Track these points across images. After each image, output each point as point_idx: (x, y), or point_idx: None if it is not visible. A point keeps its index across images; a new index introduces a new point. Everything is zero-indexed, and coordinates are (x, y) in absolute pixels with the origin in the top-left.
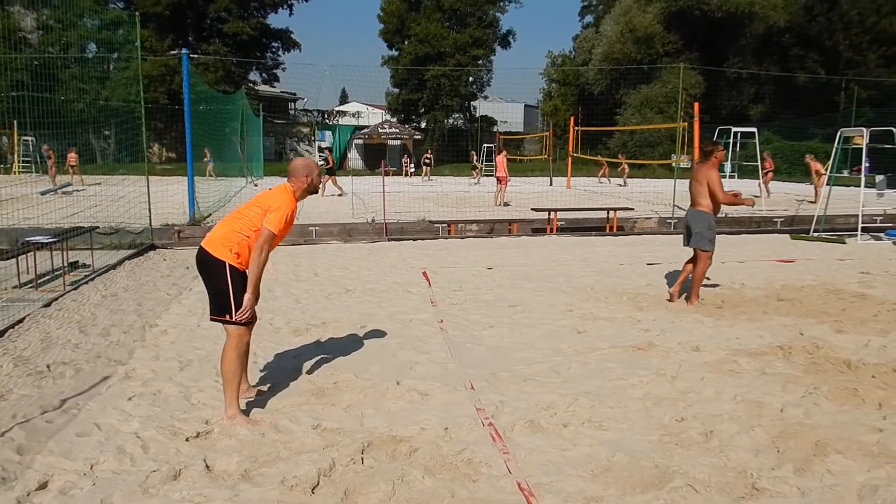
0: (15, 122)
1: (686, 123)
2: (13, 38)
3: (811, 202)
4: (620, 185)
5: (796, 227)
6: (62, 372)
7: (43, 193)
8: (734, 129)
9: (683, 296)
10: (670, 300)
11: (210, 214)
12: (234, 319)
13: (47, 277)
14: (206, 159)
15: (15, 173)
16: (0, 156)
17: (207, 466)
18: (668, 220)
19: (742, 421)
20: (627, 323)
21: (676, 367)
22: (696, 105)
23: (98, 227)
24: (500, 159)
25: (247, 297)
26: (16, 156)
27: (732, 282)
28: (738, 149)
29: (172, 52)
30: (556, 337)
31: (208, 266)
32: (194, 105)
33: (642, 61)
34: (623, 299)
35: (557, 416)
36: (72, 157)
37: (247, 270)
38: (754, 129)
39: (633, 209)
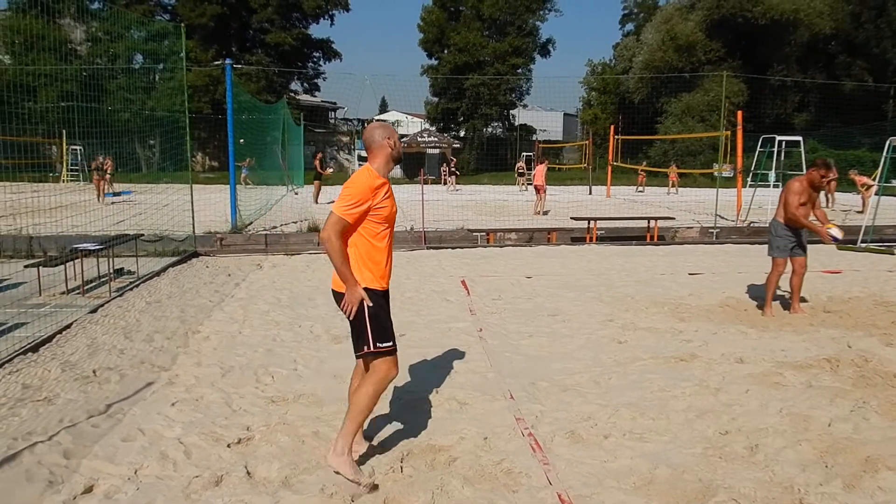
0: (64, 131)
1: (729, 132)
2: (63, 49)
3: (859, 212)
4: (672, 193)
5: (843, 237)
6: (107, 377)
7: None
8: (778, 138)
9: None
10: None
11: (251, 222)
12: (373, 348)
13: (94, 284)
14: (243, 165)
15: (63, 181)
16: (49, 165)
17: (248, 473)
18: (711, 230)
19: (788, 435)
20: (669, 333)
21: (720, 379)
22: (740, 113)
23: (143, 235)
24: (540, 168)
25: (347, 294)
26: (64, 165)
27: (777, 293)
28: (782, 158)
29: (216, 63)
30: (596, 347)
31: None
32: (237, 114)
33: (684, 69)
34: (664, 310)
35: (598, 427)
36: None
37: (379, 290)
38: (799, 138)
39: (674, 218)
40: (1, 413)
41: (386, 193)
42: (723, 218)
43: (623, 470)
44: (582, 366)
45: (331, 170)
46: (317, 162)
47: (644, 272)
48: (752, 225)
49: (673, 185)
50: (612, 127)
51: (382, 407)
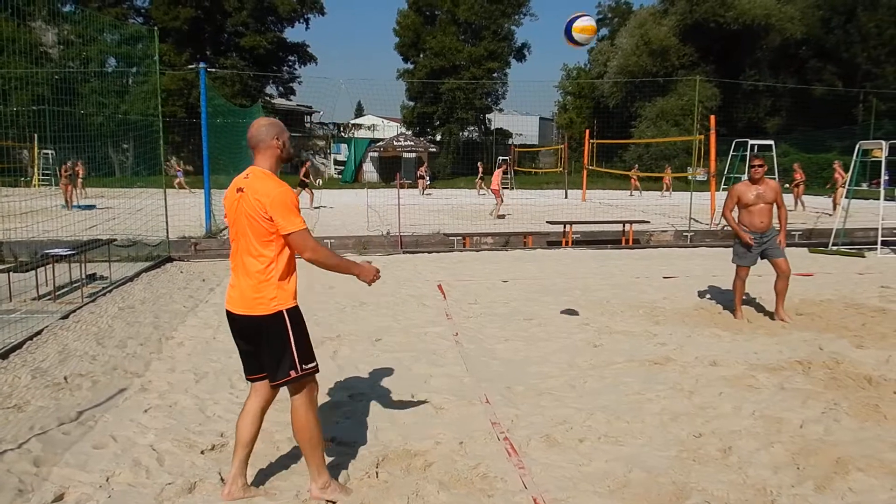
0: (36, 135)
1: (702, 136)
2: (34, 52)
3: (829, 215)
4: (664, 196)
5: (814, 240)
6: (79, 384)
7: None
8: (751, 142)
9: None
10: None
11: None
12: (301, 371)
13: (65, 289)
14: (175, 171)
15: (35, 186)
16: (21, 169)
17: (223, 479)
18: (685, 234)
19: (761, 437)
20: (644, 337)
21: (694, 382)
22: (713, 118)
23: (116, 240)
24: (497, 174)
25: (360, 269)
26: (36, 169)
27: (749, 296)
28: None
29: (190, 67)
30: (572, 351)
31: (261, 330)
32: (212, 118)
33: (658, 74)
34: (639, 313)
35: (573, 430)
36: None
37: (297, 305)
38: (771, 142)
39: (649, 222)
40: None
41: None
42: (697, 221)
43: (598, 473)
44: (558, 370)
45: (319, 181)
46: (303, 171)
47: (619, 276)
48: (725, 228)
49: (667, 188)
50: (588, 131)
51: (357, 411)
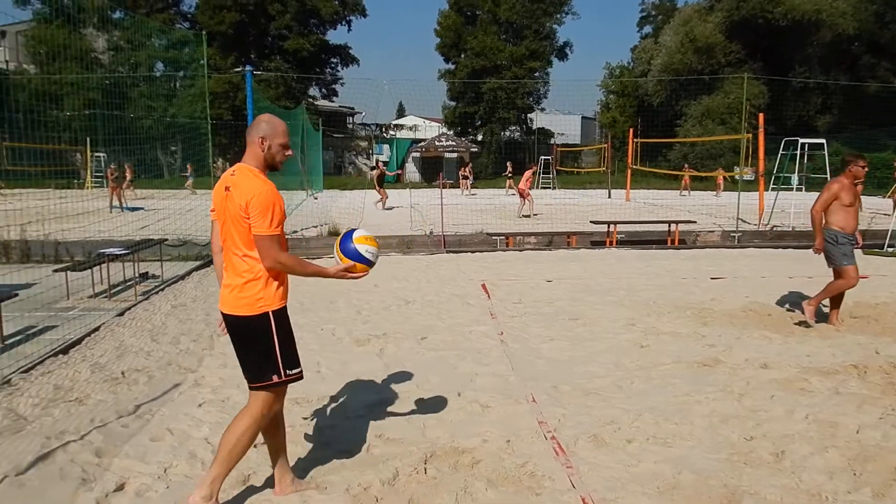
0: (88, 138)
1: (750, 135)
2: (87, 58)
3: (887, 215)
4: (716, 196)
5: (869, 242)
6: (136, 378)
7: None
8: (801, 141)
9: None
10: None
11: None
12: (284, 377)
13: (120, 288)
14: (187, 173)
15: (88, 188)
16: (74, 171)
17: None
18: (732, 234)
19: (815, 441)
20: (691, 338)
21: (744, 385)
22: (761, 116)
23: (167, 240)
24: (527, 174)
25: (328, 272)
26: (88, 171)
27: (802, 298)
28: (805, 161)
29: (236, 70)
30: (618, 351)
31: (246, 331)
32: None
33: (703, 72)
34: (686, 314)
35: (621, 431)
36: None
37: (285, 307)
38: (822, 141)
39: (695, 222)
40: (35, 413)
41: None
42: (745, 222)
43: (647, 474)
44: (604, 370)
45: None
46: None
47: (665, 276)
48: (774, 229)
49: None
50: (631, 130)
51: (404, 407)
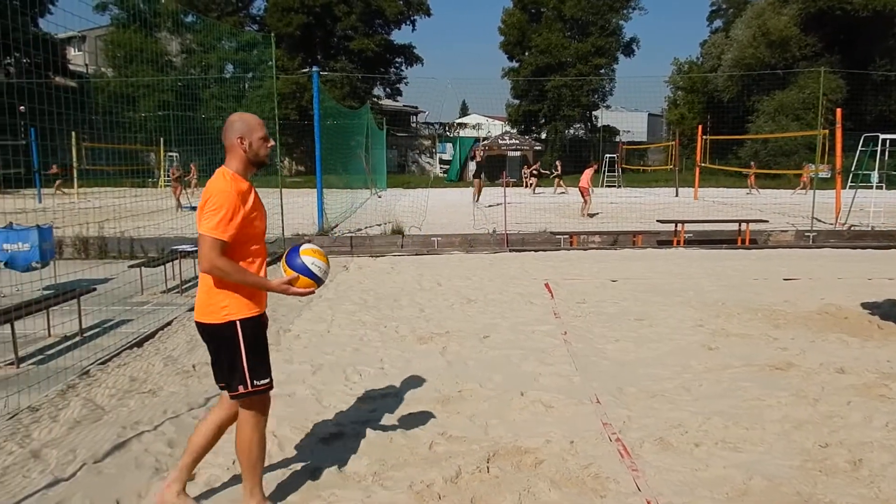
0: (161, 139)
1: (826, 131)
2: (160, 61)
3: None
4: (801, 194)
5: None
6: (206, 372)
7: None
8: (882, 137)
9: None
10: None
11: (337, 225)
12: (251, 388)
13: (191, 283)
14: (191, 175)
15: (161, 187)
16: (148, 171)
17: (339, 467)
18: (807, 234)
19: (895, 450)
20: (763, 341)
21: (819, 390)
22: (839, 111)
23: None
24: (587, 172)
25: (271, 285)
26: (162, 171)
27: (881, 300)
28: (886, 158)
29: (303, 71)
30: (686, 353)
31: (212, 339)
32: (322, 120)
33: (777, 66)
34: (757, 316)
35: (689, 434)
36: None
37: (256, 316)
38: None
39: (767, 221)
40: (111, 403)
41: (254, 200)
42: (820, 221)
43: (716, 479)
44: (670, 372)
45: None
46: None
47: (735, 277)
48: (852, 228)
49: (804, 186)
50: (700, 127)
51: (467, 406)
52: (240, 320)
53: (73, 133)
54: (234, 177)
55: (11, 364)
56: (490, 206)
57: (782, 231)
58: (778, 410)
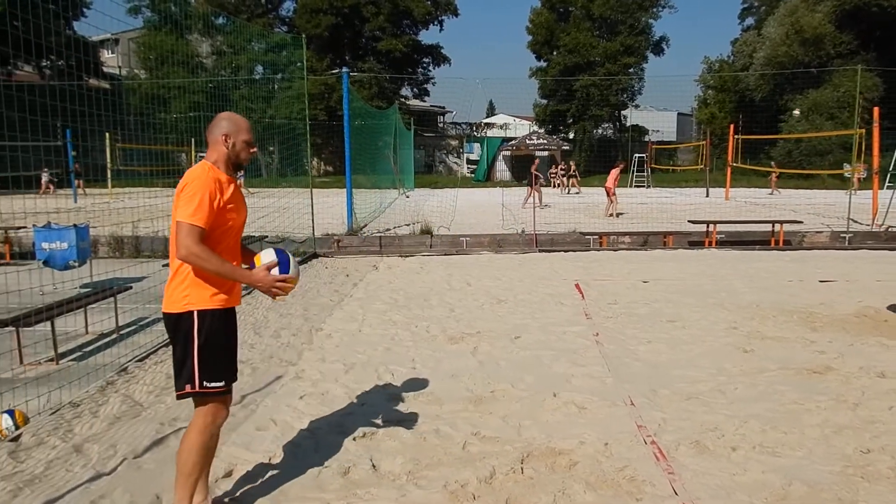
0: (193, 140)
1: (863, 130)
2: (191, 63)
3: None
4: (853, 193)
5: None
6: (241, 370)
7: None
8: None
9: None
10: None
11: (366, 225)
12: (198, 388)
13: None
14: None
15: None
16: (180, 171)
17: (374, 466)
18: (843, 235)
19: None
20: (799, 343)
21: (859, 394)
22: (876, 110)
23: (267, 237)
24: (612, 172)
25: (251, 278)
26: None
27: None
28: None
29: (333, 72)
30: (720, 355)
31: (170, 330)
32: (351, 120)
33: (810, 64)
34: (793, 318)
35: (725, 438)
36: None
37: (220, 309)
38: None
39: (801, 222)
40: (149, 400)
41: (233, 193)
42: (856, 222)
43: (754, 484)
44: (705, 374)
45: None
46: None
47: (769, 278)
48: (890, 230)
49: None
50: (732, 126)
51: (500, 406)
52: (198, 311)
53: (107, 134)
54: (211, 167)
55: (52, 360)
56: (545, 206)
57: (817, 232)
58: (817, 415)
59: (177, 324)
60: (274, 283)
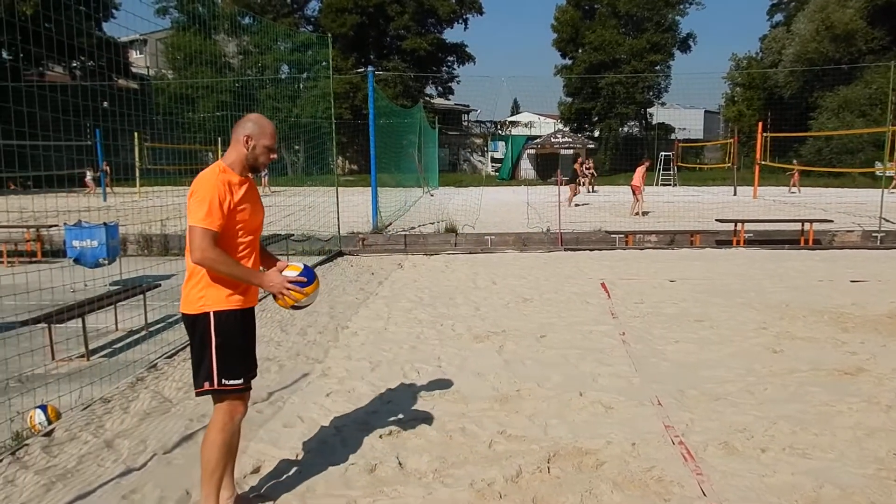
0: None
1: None
2: (218, 63)
3: None
4: (891, 192)
5: None
6: (268, 367)
7: None
8: None
9: None
10: None
11: (391, 223)
12: (217, 386)
13: None
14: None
15: None
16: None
17: (400, 464)
18: (874, 234)
19: None
20: (830, 344)
21: (892, 396)
22: None
23: (293, 235)
24: (639, 170)
25: (262, 279)
26: None
27: None
28: None
29: (358, 71)
30: (749, 356)
31: (188, 330)
32: (376, 119)
33: (841, 61)
34: (824, 318)
35: (754, 439)
36: None
37: (236, 310)
38: None
39: (832, 221)
40: (178, 396)
41: (246, 193)
42: (888, 221)
43: (783, 486)
44: (733, 374)
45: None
46: (577, 167)
47: (799, 278)
48: None
49: (794, 185)
50: (760, 124)
51: (526, 405)
52: (214, 312)
53: (136, 133)
54: (224, 168)
55: (83, 357)
56: (578, 205)
57: (848, 231)
58: (848, 417)
59: (194, 324)
60: (284, 284)
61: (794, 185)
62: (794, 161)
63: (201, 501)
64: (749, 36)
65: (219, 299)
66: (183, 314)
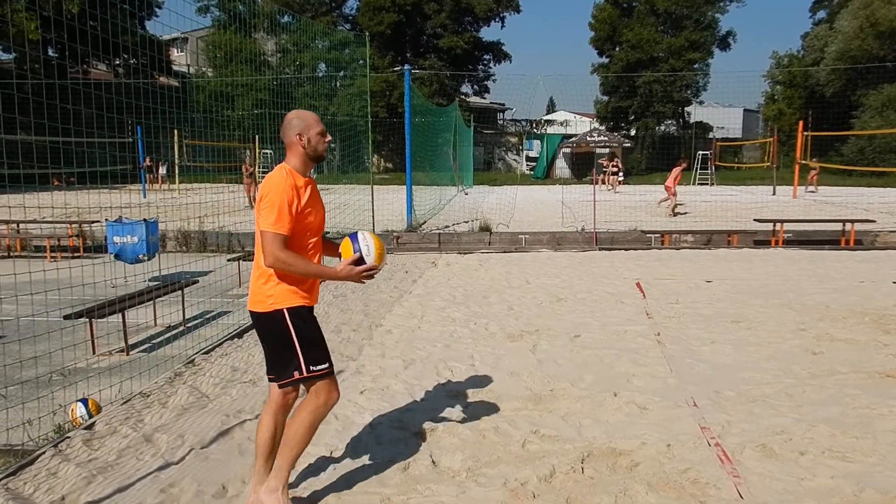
0: (257, 136)
1: None
2: (257, 61)
3: None
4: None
5: None
6: None
7: None
8: None
9: None
10: None
11: (425, 221)
12: (307, 373)
13: None
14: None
15: (256, 185)
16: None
17: (434, 462)
18: None
19: None
20: (872, 346)
21: None
22: None
23: (328, 233)
24: (674, 170)
25: (337, 274)
26: (256, 168)
27: None
28: None
29: (394, 69)
30: (787, 357)
31: (262, 328)
32: (412, 118)
33: (886, 58)
34: (865, 320)
35: (793, 442)
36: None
37: (303, 303)
38: None
39: (874, 221)
40: (214, 392)
41: (310, 196)
42: None
43: (823, 490)
44: (771, 376)
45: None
46: (604, 161)
47: (839, 279)
48: None
49: (811, 184)
50: (801, 122)
51: (560, 405)
52: (287, 309)
53: (176, 131)
54: (290, 172)
55: (122, 351)
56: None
57: (890, 231)
58: (891, 420)
59: (267, 322)
60: (360, 275)
61: (811, 184)
62: (814, 159)
63: (274, 470)
64: (790, 33)
65: (289, 297)
66: (252, 312)
